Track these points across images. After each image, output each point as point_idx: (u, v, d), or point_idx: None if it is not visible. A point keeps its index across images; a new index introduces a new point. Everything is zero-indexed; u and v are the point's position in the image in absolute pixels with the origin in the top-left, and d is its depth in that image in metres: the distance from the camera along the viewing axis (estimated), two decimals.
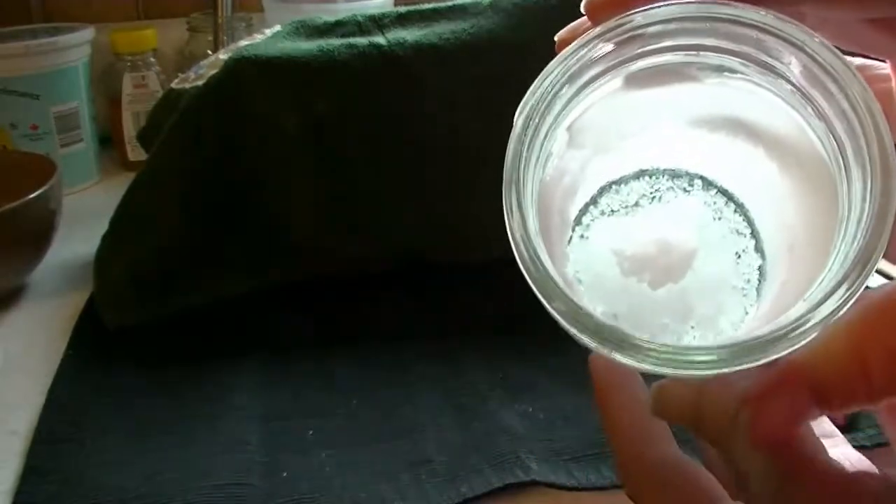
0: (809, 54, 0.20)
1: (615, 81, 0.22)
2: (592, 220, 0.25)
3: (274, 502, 0.38)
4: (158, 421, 0.44)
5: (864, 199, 0.19)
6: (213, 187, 0.52)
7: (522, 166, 0.21)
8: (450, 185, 0.54)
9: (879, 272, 0.57)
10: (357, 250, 0.56)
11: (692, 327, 0.24)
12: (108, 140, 0.80)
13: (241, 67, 0.51)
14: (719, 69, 0.22)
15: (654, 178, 0.25)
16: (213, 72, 0.52)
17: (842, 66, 0.19)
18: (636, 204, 0.25)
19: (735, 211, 0.24)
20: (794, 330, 0.18)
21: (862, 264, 0.18)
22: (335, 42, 0.53)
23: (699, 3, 0.21)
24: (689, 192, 0.24)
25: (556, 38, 0.25)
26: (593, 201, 0.25)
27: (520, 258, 0.20)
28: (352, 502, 0.38)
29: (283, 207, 0.54)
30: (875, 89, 0.19)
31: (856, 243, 0.19)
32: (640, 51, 0.22)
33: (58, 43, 0.70)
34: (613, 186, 0.25)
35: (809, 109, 0.21)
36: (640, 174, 0.25)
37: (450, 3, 0.56)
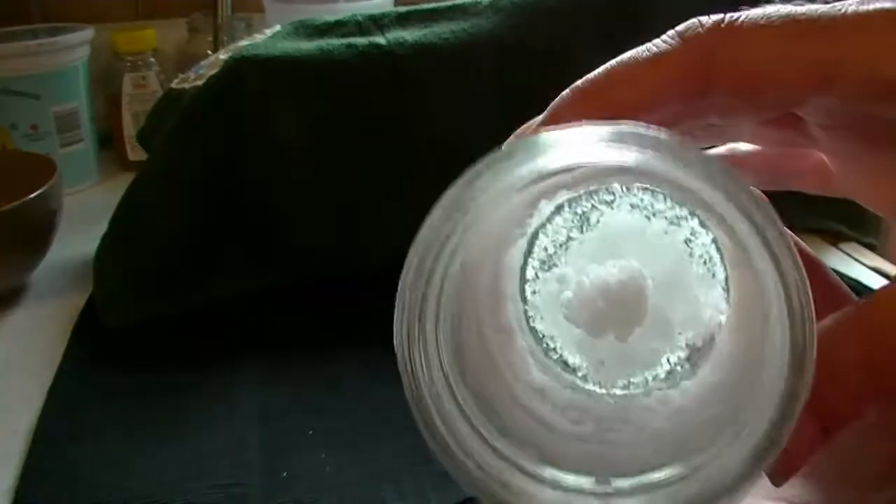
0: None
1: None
2: (536, 276, 0.24)
3: (274, 502, 0.38)
4: (158, 421, 0.44)
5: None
6: (213, 187, 0.52)
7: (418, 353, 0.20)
8: (450, 184, 0.54)
9: (879, 272, 0.57)
10: (357, 250, 0.56)
11: (679, 334, 0.23)
12: (108, 140, 0.80)
13: (241, 67, 0.51)
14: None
15: (573, 205, 0.23)
16: (213, 72, 0.52)
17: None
18: (568, 239, 0.24)
19: (665, 199, 0.23)
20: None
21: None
22: (335, 42, 0.53)
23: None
24: (612, 202, 0.23)
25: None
26: (529, 252, 0.24)
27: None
28: (352, 502, 0.38)
29: (283, 207, 0.54)
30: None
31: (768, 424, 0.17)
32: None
33: (58, 43, 0.70)
34: (540, 232, 0.24)
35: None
36: (558, 209, 0.24)
37: (450, 3, 0.56)
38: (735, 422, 0.18)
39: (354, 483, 0.39)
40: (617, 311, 0.22)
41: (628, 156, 0.17)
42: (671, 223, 0.23)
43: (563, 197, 0.23)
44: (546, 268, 0.24)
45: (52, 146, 0.72)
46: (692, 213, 0.23)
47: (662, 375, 0.23)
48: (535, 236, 0.24)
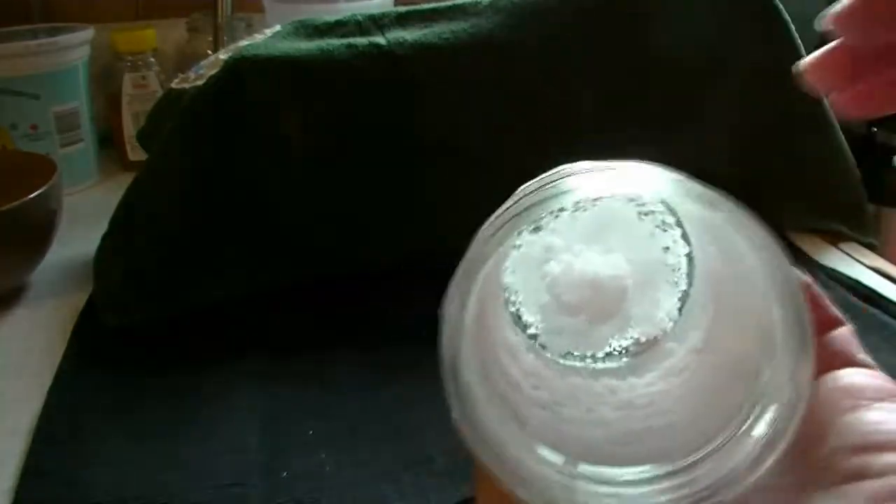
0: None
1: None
2: (520, 233, 0.25)
3: (274, 502, 0.38)
4: (158, 421, 0.44)
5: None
6: (213, 187, 0.52)
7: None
8: (448, 184, 0.54)
9: (879, 272, 0.57)
10: (357, 250, 0.56)
11: (631, 327, 0.25)
12: (108, 140, 0.80)
13: (241, 67, 0.51)
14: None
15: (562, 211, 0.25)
16: (213, 72, 0.52)
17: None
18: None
19: (660, 203, 0.24)
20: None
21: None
22: (335, 42, 0.53)
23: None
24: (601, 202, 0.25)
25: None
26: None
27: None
28: (352, 502, 0.38)
29: (283, 207, 0.54)
30: None
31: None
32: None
33: (58, 43, 0.70)
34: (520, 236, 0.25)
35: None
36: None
37: (450, 3, 0.56)
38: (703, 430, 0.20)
39: (354, 483, 0.39)
40: (599, 301, 0.25)
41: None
42: (658, 227, 0.25)
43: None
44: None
45: (52, 146, 0.72)
46: (678, 224, 0.25)
47: (601, 355, 0.26)
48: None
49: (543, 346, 0.26)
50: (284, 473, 0.40)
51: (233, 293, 0.54)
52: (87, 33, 0.73)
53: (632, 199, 0.24)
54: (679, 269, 0.25)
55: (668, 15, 0.55)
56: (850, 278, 0.56)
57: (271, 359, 0.49)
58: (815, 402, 0.20)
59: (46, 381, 0.47)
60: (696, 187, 0.19)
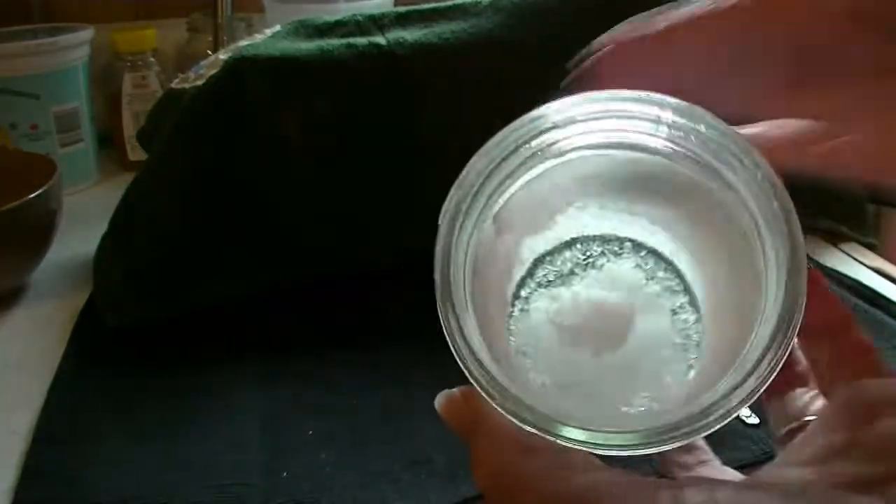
0: (709, 134, 0.21)
1: (536, 170, 0.24)
2: (530, 293, 0.25)
3: (274, 502, 0.38)
4: (158, 421, 0.44)
5: (778, 267, 0.20)
6: (213, 187, 0.52)
7: (452, 268, 0.22)
8: (449, 184, 0.54)
9: (879, 272, 0.57)
10: (357, 250, 0.56)
11: (638, 387, 0.24)
12: (108, 140, 0.80)
13: (241, 67, 0.51)
14: (633, 147, 0.23)
15: (584, 245, 0.25)
16: (213, 72, 0.52)
17: (742, 142, 0.21)
18: (571, 273, 0.25)
19: (666, 269, 0.25)
20: (701, 418, 0.20)
21: (775, 349, 0.20)
22: (335, 42, 0.53)
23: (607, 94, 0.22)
24: (620, 255, 0.25)
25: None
26: (529, 274, 0.26)
27: (459, 360, 0.21)
28: (352, 502, 0.38)
29: (283, 207, 0.54)
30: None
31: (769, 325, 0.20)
32: (556, 146, 0.23)
33: (58, 43, 0.70)
34: (547, 258, 0.26)
35: (718, 183, 0.22)
36: (571, 243, 0.25)
37: (450, 3, 0.56)
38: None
39: (354, 483, 0.39)
40: (601, 328, 0.24)
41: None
42: (665, 290, 0.25)
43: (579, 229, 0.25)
44: (543, 287, 0.25)
45: (52, 146, 0.72)
46: (685, 291, 0.25)
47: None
48: (538, 263, 0.26)
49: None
50: (284, 473, 0.40)
51: (233, 293, 0.54)
52: (87, 33, 0.73)
53: (638, 266, 0.25)
54: (688, 335, 0.25)
55: None
56: (850, 278, 0.56)
57: (271, 359, 0.49)
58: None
59: (46, 381, 0.47)
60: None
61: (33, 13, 0.81)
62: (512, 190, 0.23)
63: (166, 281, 0.52)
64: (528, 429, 0.20)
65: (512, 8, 0.54)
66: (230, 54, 0.53)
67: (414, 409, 0.44)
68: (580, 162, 0.23)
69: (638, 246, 0.25)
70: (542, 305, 0.25)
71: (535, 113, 0.22)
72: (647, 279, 0.25)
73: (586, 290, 0.25)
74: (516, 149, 0.23)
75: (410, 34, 0.53)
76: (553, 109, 0.22)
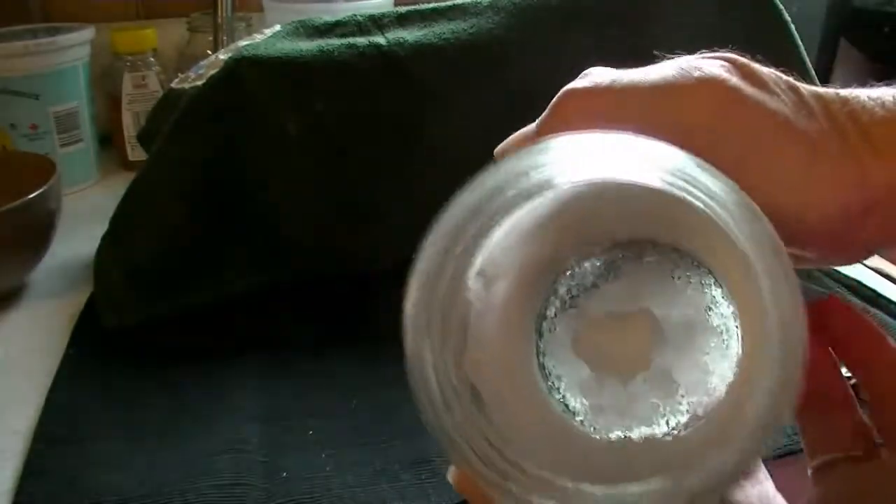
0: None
1: (514, 213, 0.21)
2: (556, 313, 0.24)
3: (274, 502, 0.38)
4: (158, 421, 0.44)
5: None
6: (213, 187, 0.52)
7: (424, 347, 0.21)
8: (449, 184, 0.54)
9: (879, 272, 0.57)
10: (357, 250, 0.56)
11: (682, 396, 0.23)
12: (108, 140, 0.80)
13: (241, 67, 0.51)
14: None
15: (607, 251, 0.24)
16: (213, 72, 0.52)
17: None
18: (594, 285, 0.24)
19: (693, 263, 0.23)
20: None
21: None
22: (335, 42, 0.53)
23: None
24: (643, 258, 0.24)
25: (495, 153, 0.25)
26: (553, 292, 0.24)
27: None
28: (352, 502, 0.38)
29: (283, 207, 0.54)
30: None
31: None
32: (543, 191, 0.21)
33: (58, 43, 0.70)
34: (567, 272, 0.24)
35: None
36: (588, 254, 0.24)
37: (450, 3, 0.56)
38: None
39: (354, 483, 0.39)
40: (624, 350, 0.23)
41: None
42: (696, 286, 0.23)
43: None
44: (567, 305, 0.24)
45: (51, 146, 0.72)
46: (717, 283, 0.23)
47: (659, 435, 0.23)
48: (558, 279, 0.24)
49: (594, 429, 0.24)
50: (284, 473, 0.40)
51: (233, 293, 0.54)
52: (87, 33, 0.73)
53: (662, 265, 0.23)
54: (727, 329, 0.23)
55: (668, 15, 0.55)
56: (850, 278, 0.56)
57: (271, 359, 0.49)
58: None
59: (46, 381, 0.47)
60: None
61: (33, 13, 0.81)
62: (492, 240, 0.21)
63: (166, 281, 0.52)
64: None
65: (512, 8, 0.54)
66: (230, 54, 0.52)
67: (414, 409, 0.44)
68: (561, 192, 0.21)
69: (656, 245, 0.24)
70: (566, 326, 0.24)
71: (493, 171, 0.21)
72: (674, 278, 0.23)
73: (612, 304, 0.23)
74: (479, 208, 0.21)
75: (410, 34, 0.53)
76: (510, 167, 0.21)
